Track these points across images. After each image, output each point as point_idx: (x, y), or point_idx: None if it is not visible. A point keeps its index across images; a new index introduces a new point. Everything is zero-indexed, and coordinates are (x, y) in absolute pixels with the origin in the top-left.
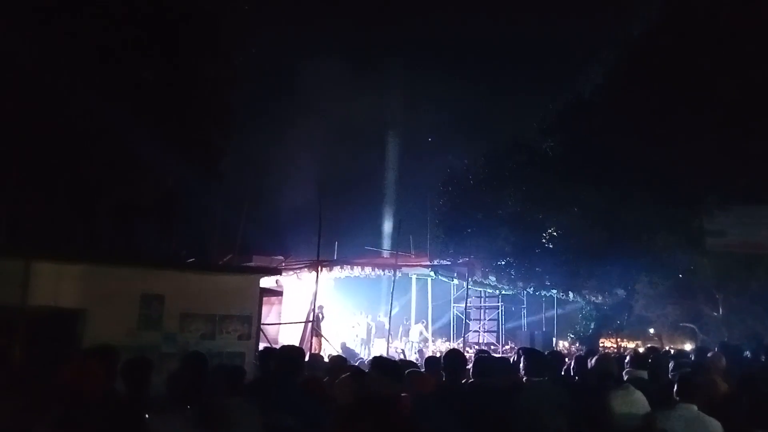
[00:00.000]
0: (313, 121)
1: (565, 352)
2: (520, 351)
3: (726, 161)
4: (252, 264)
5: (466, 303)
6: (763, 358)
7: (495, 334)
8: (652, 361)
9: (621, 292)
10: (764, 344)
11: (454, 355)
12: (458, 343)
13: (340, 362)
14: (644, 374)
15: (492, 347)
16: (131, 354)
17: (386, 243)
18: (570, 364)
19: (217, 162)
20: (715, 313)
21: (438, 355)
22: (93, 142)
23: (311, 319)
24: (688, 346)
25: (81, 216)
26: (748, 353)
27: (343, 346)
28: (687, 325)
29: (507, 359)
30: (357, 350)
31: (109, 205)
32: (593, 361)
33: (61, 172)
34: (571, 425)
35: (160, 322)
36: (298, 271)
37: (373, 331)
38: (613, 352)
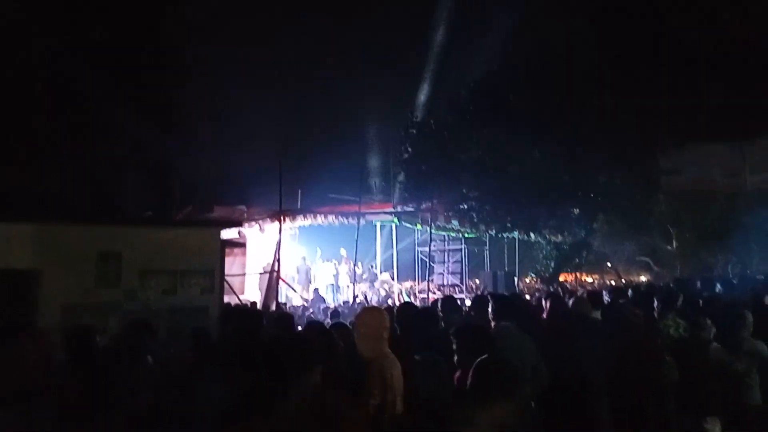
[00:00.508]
0: (274, 68)
1: (527, 290)
2: (489, 296)
3: (682, 101)
4: (213, 216)
5: (430, 247)
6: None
7: (459, 276)
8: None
9: (580, 232)
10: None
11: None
12: (423, 285)
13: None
14: (598, 314)
15: (456, 288)
16: (91, 313)
17: (350, 190)
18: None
19: (174, 113)
20: (669, 247)
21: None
22: (44, 97)
23: (276, 268)
24: (643, 278)
25: (32, 175)
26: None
27: (316, 293)
28: (643, 258)
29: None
30: (326, 297)
31: (62, 161)
32: (570, 303)
33: (10, 128)
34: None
35: (119, 279)
36: (261, 222)
37: (341, 276)
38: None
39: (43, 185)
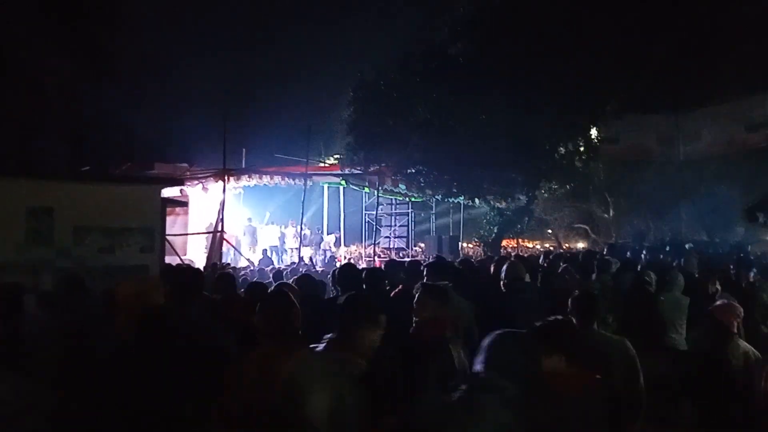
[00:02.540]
0: (217, 19)
1: (471, 253)
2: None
3: (622, 70)
4: (153, 173)
5: (377, 210)
6: (644, 254)
7: (405, 239)
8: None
9: (523, 198)
10: (644, 243)
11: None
12: (369, 248)
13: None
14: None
15: (402, 252)
16: (21, 271)
17: (296, 151)
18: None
19: (111, 63)
20: (606, 215)
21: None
22: None
23: (219, 229)
24: (581, 245)
25: None
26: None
27: (264, 254)
28: (581, 226)
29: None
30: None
31: None
32: (504, 267)
33: None
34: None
35: (51, 236)
36: (204, 181)
37: (288, 239)
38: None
39: None
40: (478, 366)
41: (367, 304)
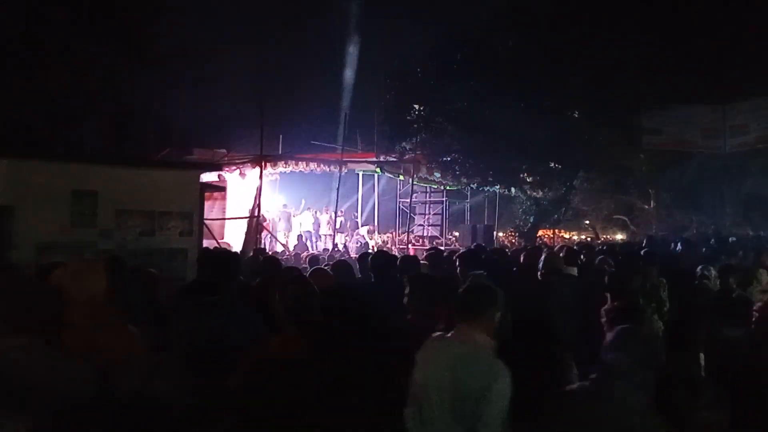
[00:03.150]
0: (256, 7)
1: (507, 243)
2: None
3: (667, 62)
4: (192, 158)
5: (411, 198)
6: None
7: (439, 228)
8: (584, 258)
9: (560, 188)
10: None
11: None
12: (403, 236)
13: (273, 264)
14: (575, 271)
15: (436, 240)
16: (66, 252)
17: (332, 138)
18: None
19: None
20: (646, 207)
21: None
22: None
23: (256, 214)
24: (619, 237)
25: (6, 109)
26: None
27: (299, 240)
28: (620, 217)
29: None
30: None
31: (39, 97)
32: (542, 258)
33: None
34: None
35: (95, 218)
36: (241, 167)
37: (322, 225)
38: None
39: (17, 121)
40: (609, 355)
41: (491, 287)
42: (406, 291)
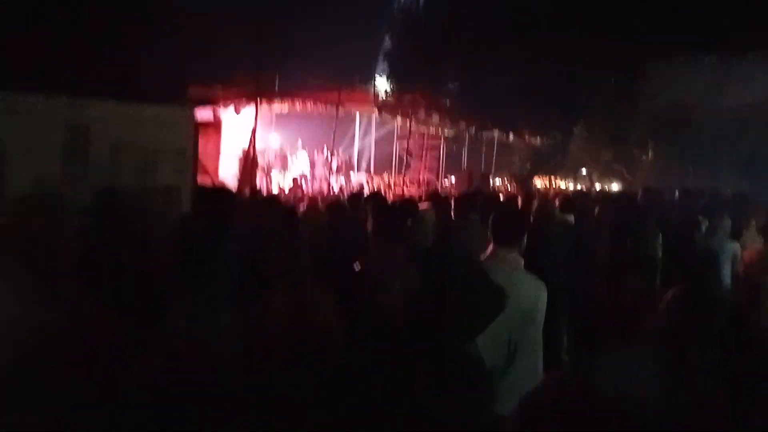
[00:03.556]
0: None
1: (502, 189)
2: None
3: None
4: (186, 93)
5: (409, 141)
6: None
7: (435, 172)
8: (579, 207)
9: (558, 136)
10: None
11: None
12: (399, 179)
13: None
14: (572, 218)
15: (432, 185)
16: (59, 186)
17: (331, 77)
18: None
19: None
20: (645, 157)
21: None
22: None
23: (251, 153)
24: (615, 187)
25: None
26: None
27: (294, 182)
28: (617, 167)
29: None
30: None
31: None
32: (536, 204)
33: None
34: None
35: (88, 153)
36: (237, 103)
37: (317, 166)
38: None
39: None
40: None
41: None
42: (369, 222)
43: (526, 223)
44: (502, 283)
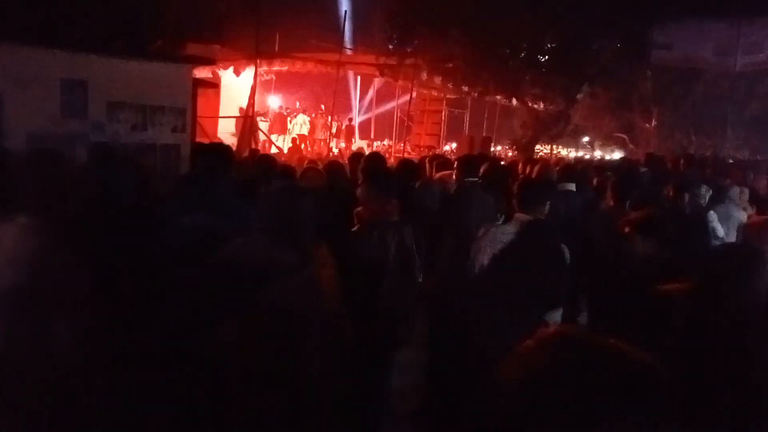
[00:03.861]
0: None
1: (503, 156)
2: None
3: None
4: (185, 52)
5: (410, 105)
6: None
7: (436, 138)
8: (579, 173)
9: (562, 102)
10: (687, 154)
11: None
12: (400, 144)
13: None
14: (572, 186)
15: (432, 149)
16: (57, 143)
17: (332, 38)
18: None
19: None
20: (648, 125)
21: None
22: None
23: (250, 113)
24: (617, 155)
25: None
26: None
27: (293, 142)
28: (619, 135)
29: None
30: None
31: None
32: (535, 169)
33: None
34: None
35: (85, 110)
36: (236, 64)
37: (317, 129)
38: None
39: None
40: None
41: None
42: (360, 185)
43: (551, 190)
44: None
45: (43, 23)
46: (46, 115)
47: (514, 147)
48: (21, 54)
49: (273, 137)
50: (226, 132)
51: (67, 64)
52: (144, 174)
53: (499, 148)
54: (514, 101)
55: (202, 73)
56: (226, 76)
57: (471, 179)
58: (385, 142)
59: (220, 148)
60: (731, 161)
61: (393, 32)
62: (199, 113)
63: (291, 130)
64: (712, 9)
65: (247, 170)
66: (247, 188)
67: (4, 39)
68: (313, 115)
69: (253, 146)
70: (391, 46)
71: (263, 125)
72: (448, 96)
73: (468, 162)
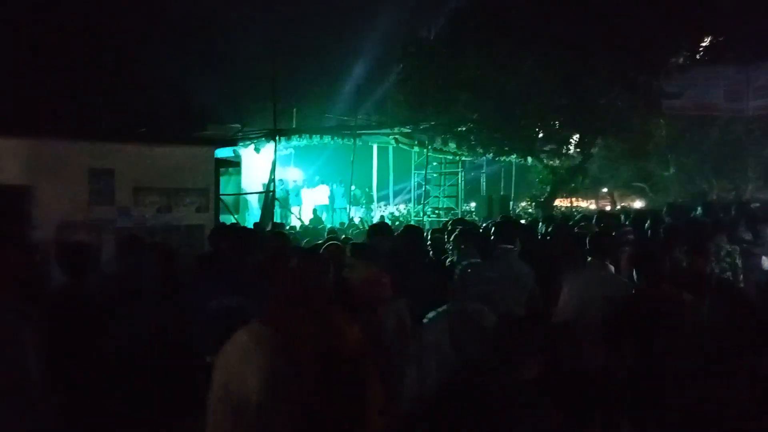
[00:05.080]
0: None
1: (521, 213)
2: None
3: (688, 21)
4: (207, 133)
5: (426, 169)
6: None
7: (454, 199)
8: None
9: (578, 156)
10: (709, 201)
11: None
12: (419, 208)
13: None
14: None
15: (451, 211)
16: (85, 231)
17: (346, 111)
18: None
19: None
20: (666, 173)
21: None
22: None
23: (271, 189)
24: (638, 204)
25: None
26: (699, 210)
27: (315, 214)
28: (638, 184)
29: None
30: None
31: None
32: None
33: None
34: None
35: (112, 197)
36: (256, 141)
37: (336, 198)
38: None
39: (32, 100)
40: None
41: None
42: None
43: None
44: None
45: (71, 115)
46: (74, 204)
47: (533, 203)
48: (50, 146)
49: (294, 209)
50: (250, 208)
51: (95, 154)
52: (169, 257)
53: (521, 204)
54: (530, 159)
55: (223, 152)
56: (247, 153)
57: (507, 247)
58: (404, 208)
59: (243, 229)
60: (756, 204)
61: (404, 100)
62: (221, 191)
63: (306, 202)
64: (718, 54)
65: (269, 246)
66: (269, 266)
67: (33, 133)
68: (333, 186)
69: (275, 221)
70: (404, 114)
71: (284, 198)
72: (463, 157)
73: (505, 229)
